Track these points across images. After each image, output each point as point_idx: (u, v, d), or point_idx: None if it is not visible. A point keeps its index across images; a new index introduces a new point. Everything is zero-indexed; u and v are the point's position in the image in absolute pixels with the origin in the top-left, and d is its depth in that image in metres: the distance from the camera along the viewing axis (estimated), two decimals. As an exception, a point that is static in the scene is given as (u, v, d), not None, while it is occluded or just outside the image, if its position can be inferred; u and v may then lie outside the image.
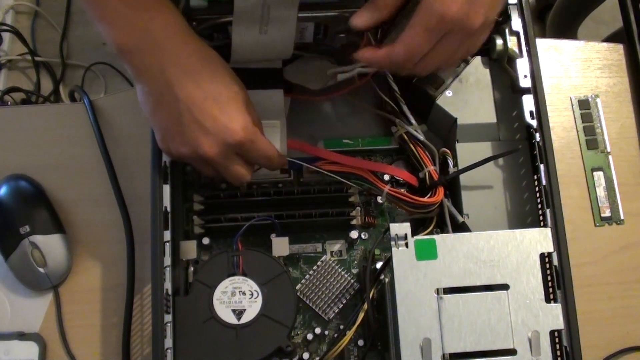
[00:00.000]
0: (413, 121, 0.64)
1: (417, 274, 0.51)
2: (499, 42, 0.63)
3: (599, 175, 0.70)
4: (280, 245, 0.61)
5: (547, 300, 0.52)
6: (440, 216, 0.62)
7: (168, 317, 0.55)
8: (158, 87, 0.52)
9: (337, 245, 0.65)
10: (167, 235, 0.56)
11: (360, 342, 0.61)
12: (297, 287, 0.62)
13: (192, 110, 0.52)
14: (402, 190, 0.62)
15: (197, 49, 0.53)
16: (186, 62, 0.52)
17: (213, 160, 0.54)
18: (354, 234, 0.63)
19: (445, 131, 0.65)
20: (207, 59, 0.53)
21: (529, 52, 0.61)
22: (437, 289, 0.51)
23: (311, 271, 0.63)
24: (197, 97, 0.52)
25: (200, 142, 0.52)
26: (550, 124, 0.59)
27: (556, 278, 0.55)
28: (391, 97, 0.65)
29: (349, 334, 0.59)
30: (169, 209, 0.56)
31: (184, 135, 0.53)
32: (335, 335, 0.61)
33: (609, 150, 0.70)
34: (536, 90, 0.60)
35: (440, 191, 0.61)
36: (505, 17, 0.63)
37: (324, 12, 0.57)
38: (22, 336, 0.62)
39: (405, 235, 0.52)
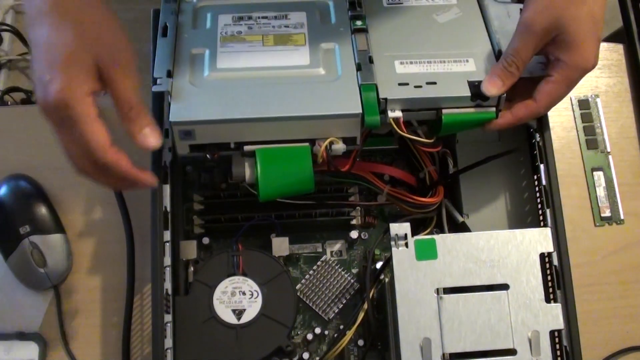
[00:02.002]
0: (415, 124, 0.64)
1: (417, 274, 0.51)
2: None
3: (599, 175, 0.70)
4: (280, 245, 0.61)
5: (547, 300, 0.52)
6: (440, 216, 0.62)
7: (168, 317, 0.55)
8: (28, 19, 0.47)
9: (337, 245, 0.65)
10: (167, 235, 0.56)
11: (360, 342, 0.61)
12: (297, 287, 0.62)
13: (33, 53, 0.46)
14: (402, 190, 0.62)
15: None
16: (41, 3, 0.46)
17: (48, 121, 0.46)
18: (354, 234, 0.63)
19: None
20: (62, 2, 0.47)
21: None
22: (437, 289, 0.51)
23: (311, 271, 0.63)
24: (36, 42, 0.46)
25: (35, 89, 0.45)
26: (550, 124, 0.59)
27: (556, 278, 0.55)
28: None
29: (349, 334, 0.59)
30: (169, 209, 0.56)
31: (33, 74, 0.46)
32: (335, 335, 0.61)
33: (609, 150, 0.70)
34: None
35: (440, 191, 0.61)
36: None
37: None
38: (22, 336, 0.62)
39: (405, 235, 0.52)
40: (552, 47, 0.54)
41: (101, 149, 0.46)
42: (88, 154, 0.46)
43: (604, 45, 0.75)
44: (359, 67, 0.56)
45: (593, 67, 0.54)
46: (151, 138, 0.49)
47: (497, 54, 0.57)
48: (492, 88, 0.54)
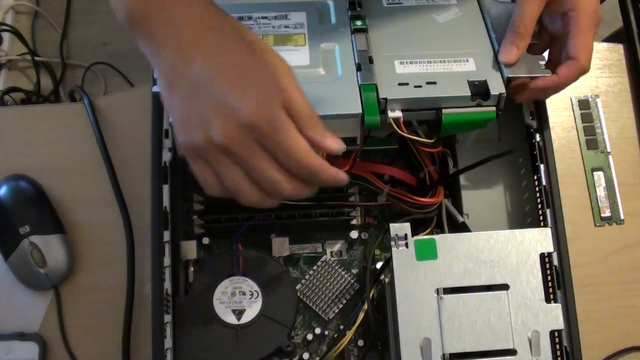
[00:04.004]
0: (416, 125, 0.64)
1: (417, 274, 0.51)
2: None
3: (599, 175, 0.70)
4: (280, 245, 0.61)
5: (547, 300, 0.52)
6: (440, 216, 0.62)
7: (168, 317, 0.55)
8: (169, 61, 0.45)
9: (337, 245, 0.65)
10: (167, 235, 0.56)
11: (360, 342, 0.61)
12: (297, 287, 0.62)
13: (202, 85, 0.44)
14: (402, 190, 0.62)
15: (209, 11, 0.47)
16: (196, 28, 0.45)
17: (231, 152, 0.44)
18: (354, 234, 0.63)
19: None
20: (224, 25, 0.47)
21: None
22: (437, 289, 0.51)
23: (311, 271, 0.63)
24: (208, 69, 0.44)
25: (210, 125, 0.44)
26: (550, 124, 0.59)
27: (556, 278, 0.55)
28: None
29: (349, 334, 0.59)
30: (168, 209, 0.56)
31: (195, 117, 0.45)
32: (335, 335, 0.61)
33: (609, 150, 0.70)
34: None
35: (440, 191, 0.61)
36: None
37: None
38: (22, 336, 0.62)
39: (405, 235, 0.52)
40: (555, 5, 0.55)
41: (309, 154, 0.46)
42: (291, 163, 0.45)
43: (604, 45, 0.75)
44: (358, 67, 0.56)
45: (597, 5, 0.55)
46: (334, 143, 0.47)
47: (497, 54, 0.57)
48: (509, 55, 0.55)
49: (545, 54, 0.58)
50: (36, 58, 1.41)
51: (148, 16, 0.46)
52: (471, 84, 0.55)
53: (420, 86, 0.55)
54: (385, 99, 0.54)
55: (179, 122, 0.46)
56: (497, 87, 0.55)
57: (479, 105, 0.55)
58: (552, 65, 0.56)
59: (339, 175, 0.48)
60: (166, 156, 0.57)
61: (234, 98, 0.44)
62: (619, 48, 0.75)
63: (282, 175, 0.45)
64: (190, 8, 0.46)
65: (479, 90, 0.55)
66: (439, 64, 0.57)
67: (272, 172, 0.45)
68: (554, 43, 0.58)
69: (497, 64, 0.57)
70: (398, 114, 0.55)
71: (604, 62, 0.74)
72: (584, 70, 0.55)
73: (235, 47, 0.46)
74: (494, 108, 0.56)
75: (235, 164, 0.45)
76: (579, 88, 0.73)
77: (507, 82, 0.55)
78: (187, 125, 0.45)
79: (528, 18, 0.55)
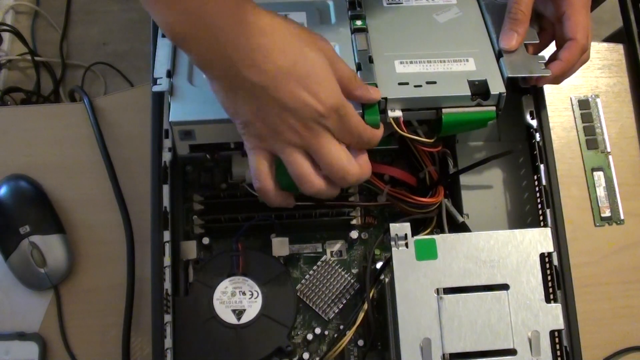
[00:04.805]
0: (415, 124, 0.64)
1: (417, 274, 0.51)
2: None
3: (599, 175, 0.70)
4: (280, 245, 0.61)
5: (547, 300, 0.52)
6: (440, 216, 0.62)
7: (168, 317, 0.55)
8: (225, 73, 0.48)
9: (337, 245, 0.65)
10: (167, 235, 0.56)
11: (360, 342, 0.61)
12: (297, 287, 0.62)
13: (266, 89, 0.47)
14: (402, 190, 0.62)
15: (257, 21, 0.47)
16: (248, 40, 0.46)
17: (302, 140, 0.49)
18: (354, 234, 0.63)
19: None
20: (274, 30, 0.48)
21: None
22: (437, 289, 0.51)
23: (311, 271, 0.63)
24: (269, 74, 0.47)
25: (281, 120, 0.48)
26: (550, 124, 0.59)
27: (556, 278, 0.55)
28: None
29: (349, 334, 0.59)
30: (168, 209, 0.56)
31: (264, 120, 0.48)
32: (335, 335, 0.61)
33: (609, 150, 0.70)
34: (536, 90, 0.60)
35: (440, 191, 0.61)
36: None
37: None
38: (22, 336, 0.62)
39: (405, 235, 0.52)
40: None
41: (366, 126, 0.52)
42: (353, 139, 0.51)
43: (604, 45, 0.75)
44: (358, 67, 0.56)
45: None
46: (376, 93, 0.53)
47: (497, 54, 0.57)
48: (510, 41, 0.56)
49: (546, 53, 0.58)
50: (36, 58, 1.41)
51: (194, 36, 0.46)
52: (471, 84, 0.55)
53: (420, 86, 0.55)
54: (386, 99, 0.54)
55: (247, 122, 0.49)
56: (497, 86, 0.55)
57: (479, 105, 0.55)
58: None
59: (380, 131, 0.53)
60: (166, 156, 0.57)
61: (303, 95, 0.47)
62: (619, 48, 0.75)
63: (347, 155, 0.51)
64: (235, 21, 0.46)
65: (479, 90, 0.55)
66: (439, 63, 0.57)
67: (342, 153, 0.50)
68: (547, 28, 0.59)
69: (498, 64, 0.57)
70: (398, 113, 0.55)
71: (604, 62, 0.74)
72: (585, 48, 0.56)
73: (288, 44, 0.48)
74: (494, 108, 0.56)
75: (303, 152, 0.50)
76: (579, 88, 0.73)
77: (508, 81, 0.56)
78: (256, 123, 0.49)
79: (524, 4, 0.56)
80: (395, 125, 0.55)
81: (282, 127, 0.48)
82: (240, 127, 0.50)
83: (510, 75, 0.55)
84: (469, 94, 0.55)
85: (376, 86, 0.55)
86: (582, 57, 0.57)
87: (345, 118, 0.50)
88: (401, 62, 0.57)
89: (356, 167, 0.52)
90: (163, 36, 0.58)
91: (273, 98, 0.47)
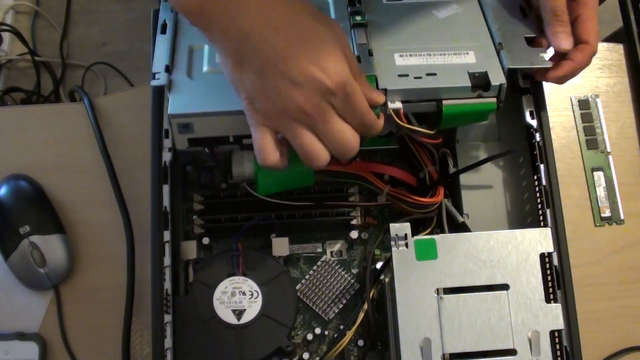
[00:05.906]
0: (413, 120, 0.64)
1: (417, 274, 0.51)
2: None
3: (599, 175, 0.70)
4: (280, 245, 0.61)
5: (547, 300, 0.52)
6: (440, 216, 0.62)
7: (168, 317, 0.55)
8: (234, 43, 0.47)
9: (337, 245, 0.65)
10: (167, 235, 0.56)
11: (360, 342, 0.61)
12: (297, 287, 0.62)
13: (274, 60, 0.46)
14: (402, 190, 0.62)
15: None
16: (259, 8, 0.46)
17: (308, 117, 0.48)
18: (354, 234, 0.63)
19: (445, 131, 0.65)
20: (286, 3, 0.48)
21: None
22: (437, 289, 0.51)
23: (311, 271, 0.63)
24: (278, 44, 0.46)
25: (288, 96, 0.47)
26: (550, 124, 0.59)
27: (556, 278, 0.55)
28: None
29: (349, 334, 0.59)
30: (168, 209, 0.56)
31: (269, 91, 0.47)
32: (335, 335, 0.61)
33: (609, 150, 0.70)
34: (536, 90, 0.60)
35: (440, 191, 0.61)
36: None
37: None
38: (22, 336, 0.62)
39: (405, 235, 0.52)
40: None
41: (370, 109, 0.51)
42: (357, 120, 0.50)
43: (604, 45, 0.75)
44: (358, 60, 0.56)
45: None
46: (380, 95, 0.53)
47: (497, 48, 0.57)
48: (566, 42, 0.56)
49: (550, 50, 0.58)
50: (36, 58, 1.41)
51: (205, 5, 0.46)
52: (471, 76, 0.55)
53: (420, 77, 0.55)
54: (385, 90, 0.54)
55: (252, 97, 0.49)
56: (497, 77, 0.55)
57: (479, 96, 0.55)
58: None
59: (381, 120, 0.53)
60: (166, 156, 0.57)
61: (312, 69, 0.47)
62: (619, 48, 0.75)
63: (351, 131, 0.50)
64: None
65: (480, 82, 0.55)
66: (439, 56, 0.57)
67: (346, 130, 0.50)
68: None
69: (498, 57, 0.56)
70: (398, 105, 0.55)
71: (604, 62, 0.74)
72: (595, 52, 0.57)
73: (302, 20, 0.48)
74: (494, 99, 0.55)
75: (308, 128, 0.49)
76: (579, 88, 0.73)
77: (508, 73, 0.55)
78: (261, 98, 0.48)
79: (561, 2, 0.56)
80: (395, 117, 0.55)
81: (288, 103, 0.47)
82: (245, 103, 0.50)
83: (511, 67, 0.55)
84: (469, 85, 0.55)
85: (376, 79, 0.55)
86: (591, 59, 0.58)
87: (352, 97, 0.49)
88: (401, 55, 0.57)
89: (357, 141, 0.51)
90: (162, 33, 0.58)
91: (280, 71, 0.47)
